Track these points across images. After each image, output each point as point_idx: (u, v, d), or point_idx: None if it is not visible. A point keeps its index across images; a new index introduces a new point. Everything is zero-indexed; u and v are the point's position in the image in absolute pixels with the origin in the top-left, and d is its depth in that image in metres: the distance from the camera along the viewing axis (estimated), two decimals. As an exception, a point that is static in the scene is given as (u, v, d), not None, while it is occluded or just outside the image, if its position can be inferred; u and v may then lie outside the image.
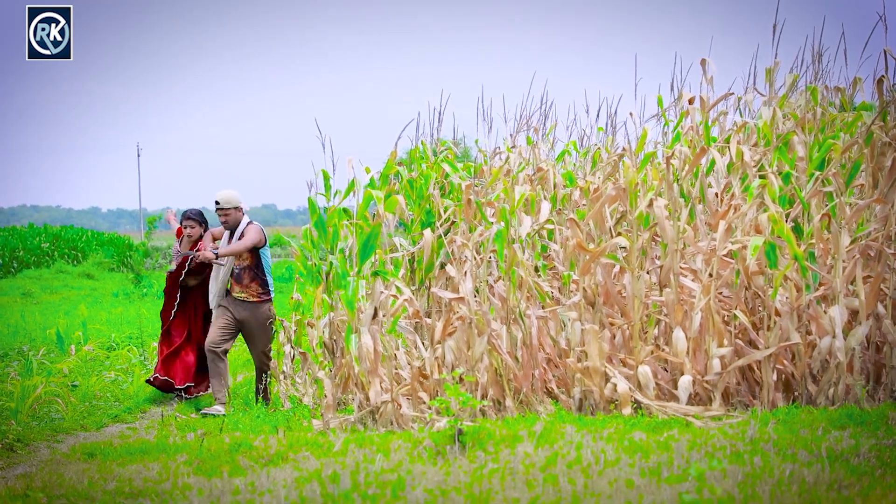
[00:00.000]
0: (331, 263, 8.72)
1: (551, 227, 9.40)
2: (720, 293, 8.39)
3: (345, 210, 9.07)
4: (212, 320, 9.87)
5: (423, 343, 8.73)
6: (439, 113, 9.50)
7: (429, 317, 8.87)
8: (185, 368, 10.21)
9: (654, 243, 8.73)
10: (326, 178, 9.05)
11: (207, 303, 10.16)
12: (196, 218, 10.31)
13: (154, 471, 6.25)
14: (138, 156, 55.56)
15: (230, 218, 9.67)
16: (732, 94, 9.10)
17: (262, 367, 9.99)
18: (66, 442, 8.44)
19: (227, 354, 9.91)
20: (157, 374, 10.22)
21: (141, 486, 5.84)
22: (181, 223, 10.29)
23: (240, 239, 9.58)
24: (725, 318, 8.27)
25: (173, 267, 10.30)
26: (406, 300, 8.57)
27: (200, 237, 10.30)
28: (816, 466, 5.39)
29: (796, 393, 8.05)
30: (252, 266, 9.69)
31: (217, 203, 9.62)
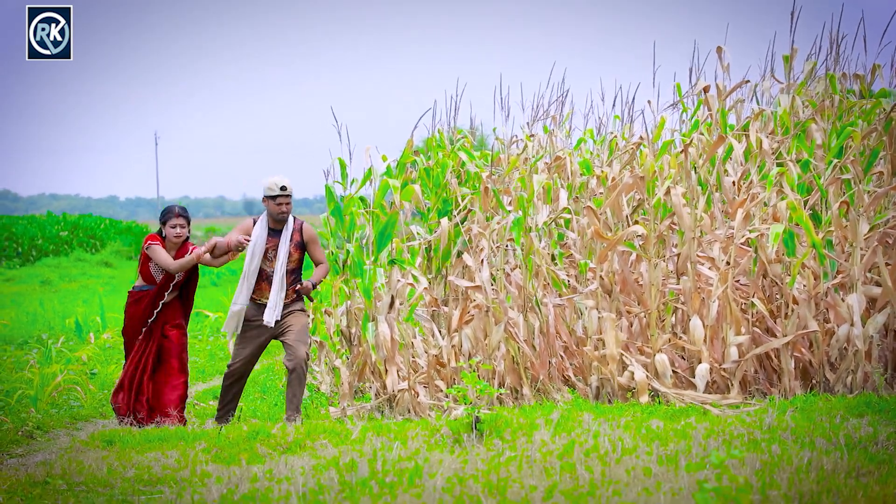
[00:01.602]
0: (348, 252, 8.74)
1: (568, 215, 9.39)
2: (737, 281, 8.38)
3: (362, 199, 9.08)
4: (237, 341, 8.10)
5: (439, 331, 8.74)
6: (455, 101, 9.49)
7: (446, 305, 8.88)
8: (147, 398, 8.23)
9: (671, 231, 8.72)
10: (343, 166, 9.06)
11: (170, 322, 8.35)
12: (186, 216, 8.34)
13: (173, 458, 6.28)
14: (156, 144, 55.81)
15: (291, 208, 8.04)
16: (748, 81, 9.07)
17: (305, 369, 8.00)
18: (86, 429, 8.49)
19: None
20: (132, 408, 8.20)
21: (160, 473, 5.87)
22: (165, 220, 8.22)
23: (290, 238, 7.99)
24: (743, 306, 8.25)
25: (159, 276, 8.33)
26: (423, 289, 8.59)
27: (186, 240, 8.35)
28: (835, 454, 5.38)
29: (814, 381, 8.03)
30: (297, 268, 8.12)
31: (283, 189, 7.92)
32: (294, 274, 8.03)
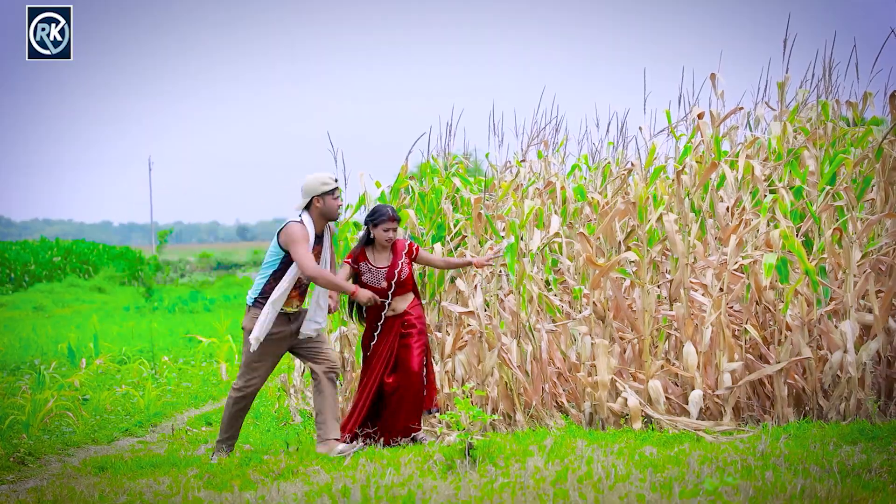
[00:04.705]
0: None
1: (559, 239, 9.40)
2: (731, 307, 8.38)
3: (356, 224, 9.09)
4: (255, 357, 7.20)
5: (433, 357, 8.73)
6: (450, 127, 9.51)
7: (439, 331, 8.87)
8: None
9: (664, 257, 8.72)
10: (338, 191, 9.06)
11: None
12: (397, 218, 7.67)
13: (165, 485, 6.26)
14: (150, 170, 55.71)
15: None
16: (742, 108, 9.10)
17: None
18: (77, 455, 8.45)
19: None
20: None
21: (151, 499, 5.85)
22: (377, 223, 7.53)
23: (330, 242, 7.43)
24: (736, 333, 8.25)
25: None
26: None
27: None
28: (828, 482, 5.37)
29: (807, 408, 8.03)
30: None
31: (337, 181, 7.30)
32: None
